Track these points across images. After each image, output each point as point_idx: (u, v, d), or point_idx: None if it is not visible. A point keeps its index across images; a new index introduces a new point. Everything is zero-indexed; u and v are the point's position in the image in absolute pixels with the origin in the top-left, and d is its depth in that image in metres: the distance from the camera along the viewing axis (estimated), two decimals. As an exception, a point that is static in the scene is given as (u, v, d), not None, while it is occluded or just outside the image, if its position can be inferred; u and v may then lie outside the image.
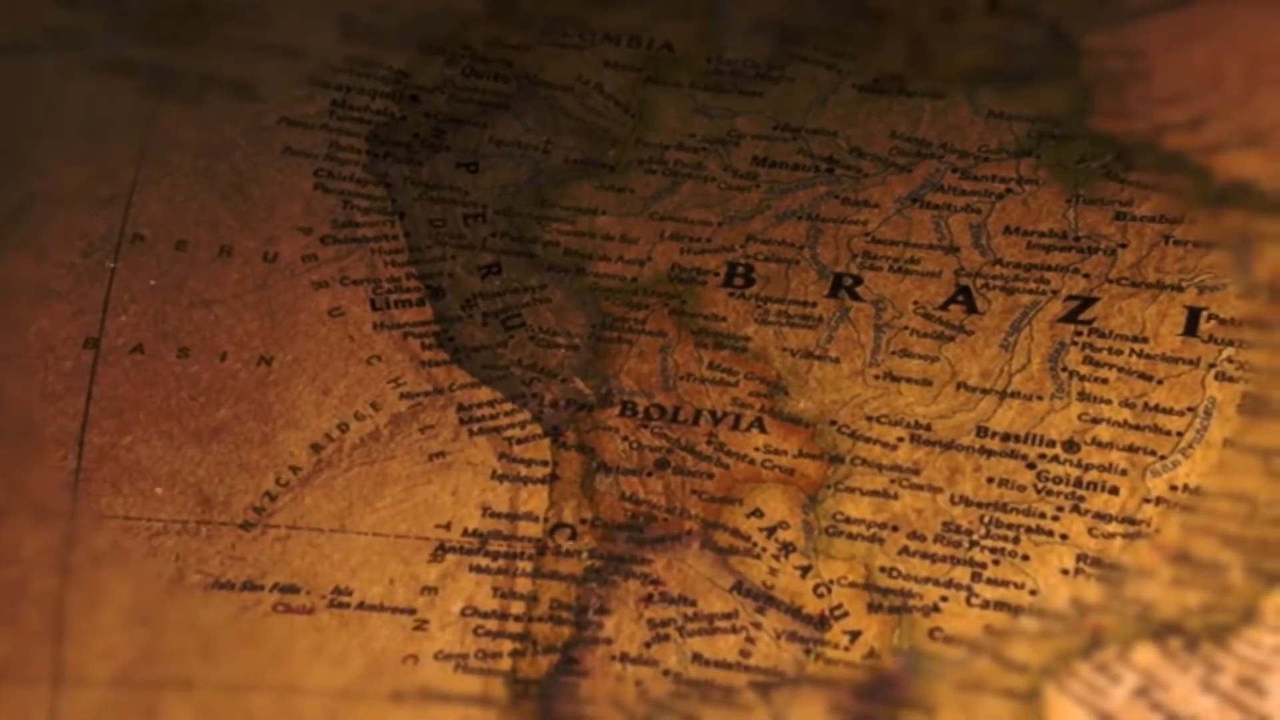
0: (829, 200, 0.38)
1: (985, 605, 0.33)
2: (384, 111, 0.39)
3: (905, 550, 0.34)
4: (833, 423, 0.36)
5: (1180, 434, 0.34)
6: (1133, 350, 0.35)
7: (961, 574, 0.34)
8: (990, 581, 0.34)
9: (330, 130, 0.39)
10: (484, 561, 0.35)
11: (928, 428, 0.35)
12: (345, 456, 0.36)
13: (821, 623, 0.34)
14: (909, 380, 0.36)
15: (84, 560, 0.34)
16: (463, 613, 0.34)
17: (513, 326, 0.37)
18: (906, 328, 0.36)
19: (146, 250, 0.37)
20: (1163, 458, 0.34)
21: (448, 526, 0.35)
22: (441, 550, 0.35)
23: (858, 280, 0.37)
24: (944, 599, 0.34)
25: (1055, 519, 0.34)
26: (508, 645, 0.34)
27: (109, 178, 0.38)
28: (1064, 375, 0.35)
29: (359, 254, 0.38)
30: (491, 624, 0.34)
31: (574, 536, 0.35)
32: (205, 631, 0.34)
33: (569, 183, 0.39)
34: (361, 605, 0.34)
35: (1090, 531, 0.34)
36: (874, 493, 0.35)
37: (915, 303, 0.37)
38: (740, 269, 0.37)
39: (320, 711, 0.33)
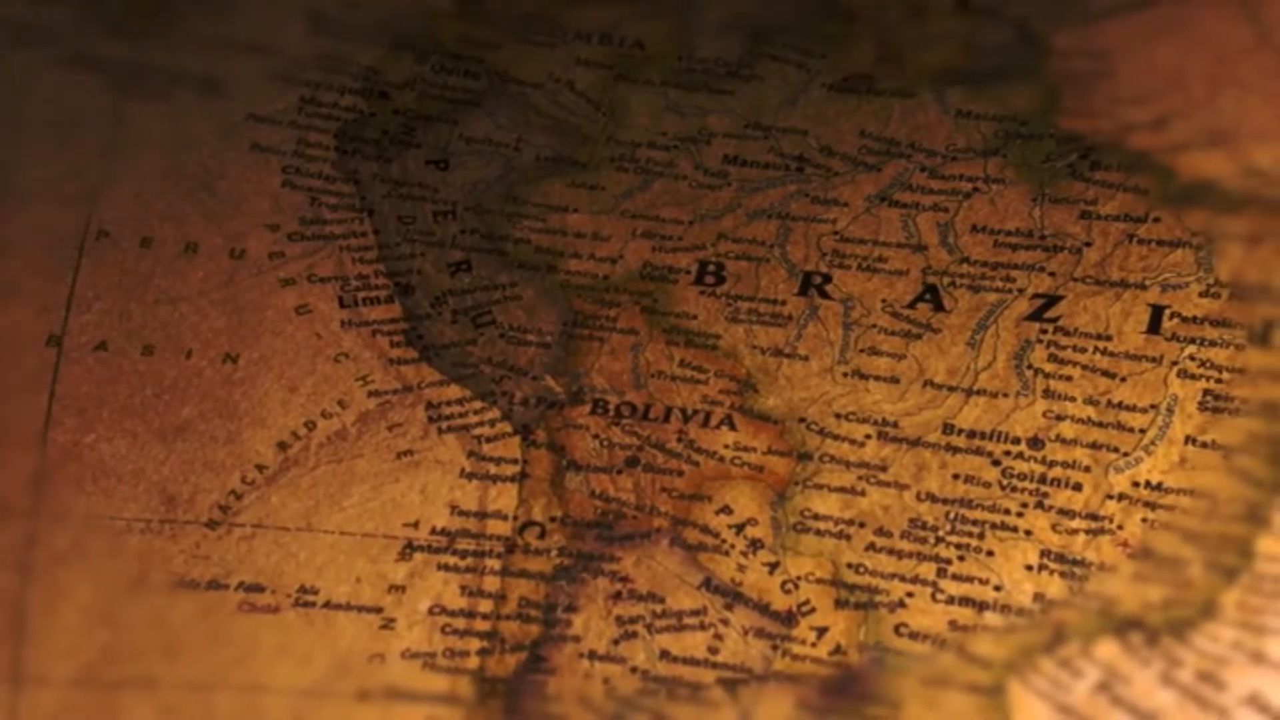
0: (799, 199, 0.38)
1: (950, 601, 0.34)
2: (353, 108, 0.39)
3: (872, 546, 0.34)
4: (801, 420, 0.36)
5: (1143, 431, 0.34)
6: (1097, 348, 0.35)
7: (927, 570, 0.34)
8: (955, 577, 0.34)
9: (299, 127, 0.39)
10: (452, 560, 0.35)
11: (895, 425, 0.35)
12: (312, 455, 0.35)
13: (789, 619, 0.34)
14: (877, 378, 0.36)
15: (45, 559, 0.34)
16: (430, 611, 0.34)
17: (483, 324, 0.37)
18: (874, 326, 0.36)
19: (112, 247, 0.37)
20: (1125, 454, 0.34)
21: (416, 525, 0.35)
22: (409, 549, 0.35)
23: (827, 278, 0.37)
24: (910, 595, 0.34)
25: (1020, 515, 0.34)
26: (475, 644, 0.34)
27: (75, 174, 0.38)
28: (1029, 373, 0.35)
29: (327, 251, 0.37)
30: (459, 622, 0.34)
31: (543, 534, 0.35)
32: (169, 631, 0.33)
33: (540, 180, 0.39)
34: (328, 604, 0.34)
35: (1054, 528, 0.34)
36: (841, 489, 0.35)
37: (883, 301, 0.37)
38: (711, 267, 0.37)
39: (285, 711, 0.33)
